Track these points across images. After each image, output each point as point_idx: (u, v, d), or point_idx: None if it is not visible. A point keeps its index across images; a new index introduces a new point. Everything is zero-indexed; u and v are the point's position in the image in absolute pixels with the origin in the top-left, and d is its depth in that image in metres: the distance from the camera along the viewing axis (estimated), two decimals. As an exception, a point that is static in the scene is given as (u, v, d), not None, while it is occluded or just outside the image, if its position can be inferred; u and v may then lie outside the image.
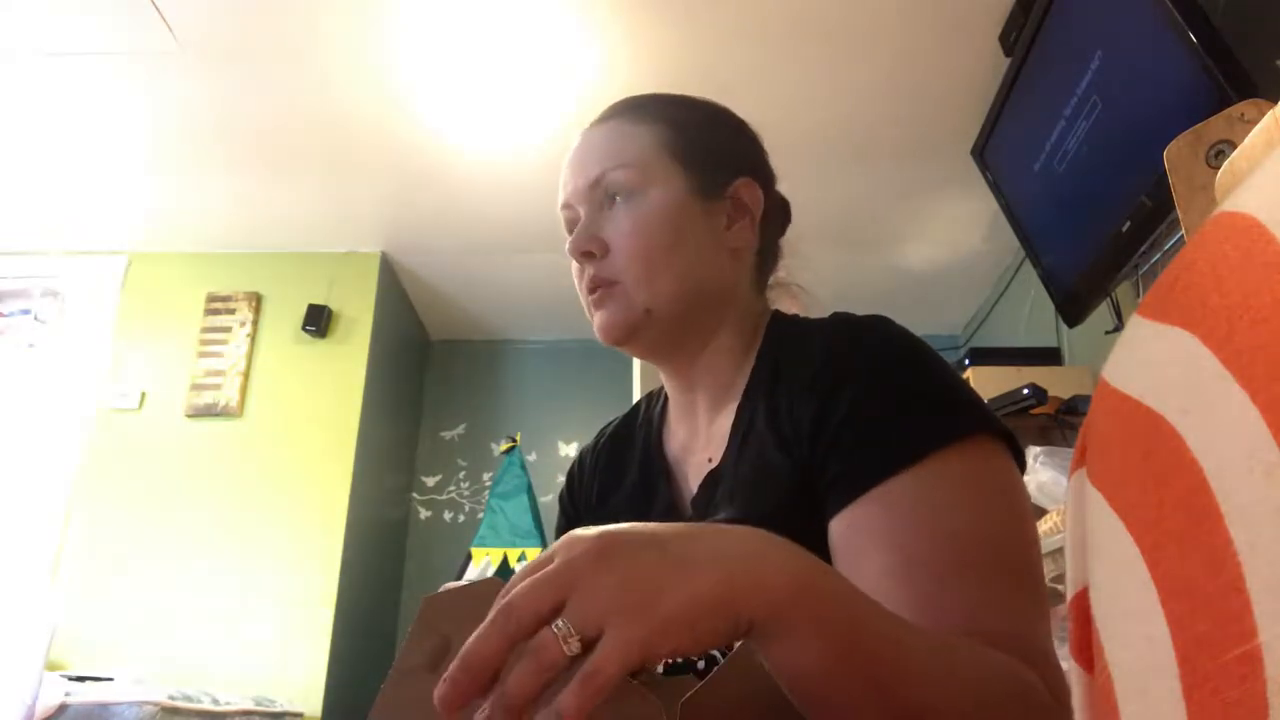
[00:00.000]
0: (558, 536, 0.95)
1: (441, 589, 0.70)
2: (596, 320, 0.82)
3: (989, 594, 0.60)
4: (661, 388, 0.93)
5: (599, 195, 0.83)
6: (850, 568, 0.63)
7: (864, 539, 0.63)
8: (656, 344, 0.83)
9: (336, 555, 2.97)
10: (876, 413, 0.66)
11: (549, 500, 3.45)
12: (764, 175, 0.89)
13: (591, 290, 0.82)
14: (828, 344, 0.72)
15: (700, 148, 0.85)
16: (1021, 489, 0.67)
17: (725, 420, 0.79)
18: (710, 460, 0.79)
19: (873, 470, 0.64)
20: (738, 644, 0.52)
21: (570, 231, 0.85)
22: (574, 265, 0.85)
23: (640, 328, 0.80)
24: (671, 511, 0.81)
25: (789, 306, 0.90)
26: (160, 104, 2.56)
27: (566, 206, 0.86)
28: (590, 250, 0.81)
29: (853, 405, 0.67)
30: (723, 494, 0.74)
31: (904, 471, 0.63)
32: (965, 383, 0.70)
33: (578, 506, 0.94)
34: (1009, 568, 0.62)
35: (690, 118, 0.87)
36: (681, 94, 0.90)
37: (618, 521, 0.84)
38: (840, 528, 0.64)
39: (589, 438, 0.99)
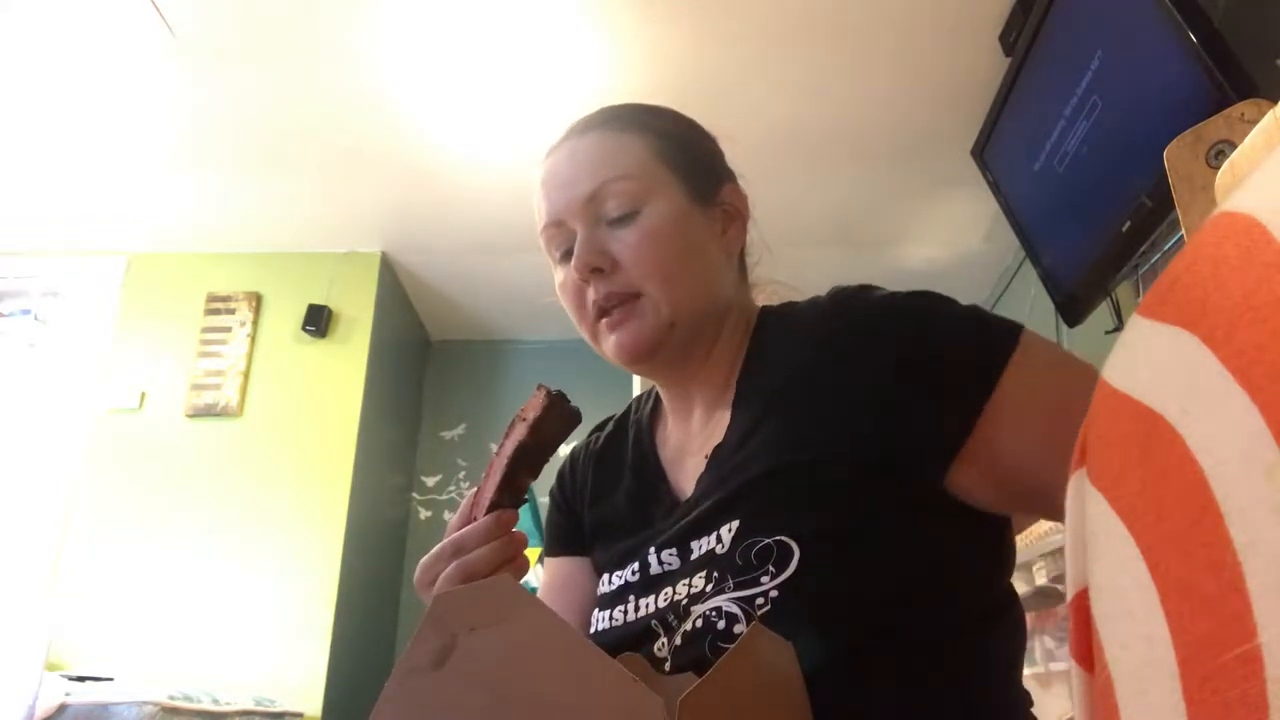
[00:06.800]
0: (551, 531, 0.95)
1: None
2: (616, 339, 0.78)
3: None
4: (650, 389, 0.93)
5: (595, 210, 0.79)
6: (1001, 466, 0.65)
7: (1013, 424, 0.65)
8: (672, 359, 0.80)
9: (336, 555, 2.96)
10: (952, 342, 0.68)
11: (548, 504, 3.45)
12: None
13: (604, 309, 0.78)
14: (846, 314, 0.73)
15: (689, 155, 0.84)
16: None
17: (723, 416, 0.79)
18: (706, 456, 0.78)
19: (978, 392, 0.65)
20: (737, 641, 0.52)
21: (557, 253, 0.82)
22: (570, 289, 0.81)
23: (664, 343, 0.78)
24: (675, 515, 0.79)
25: (768, 301, 0.89)
26: (160, 103, 2.56)
27: (555, 225, 0.81)
28: (600, 266, 0.77)
29: (922, 346, 0.68)
30: (732, 464, 0.73)
31: (1002, 377, 0.65)
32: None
33: (570, 502, 0.94)
34: None
35: (671, 125, 0.86)
36: (648, 103, 0.88)
37: (614, 523, 0.85)
38: (983, 440, 0.65)
39: (588, 438, 0.99)
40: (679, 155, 0.83)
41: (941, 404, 0.66)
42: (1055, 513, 0.68)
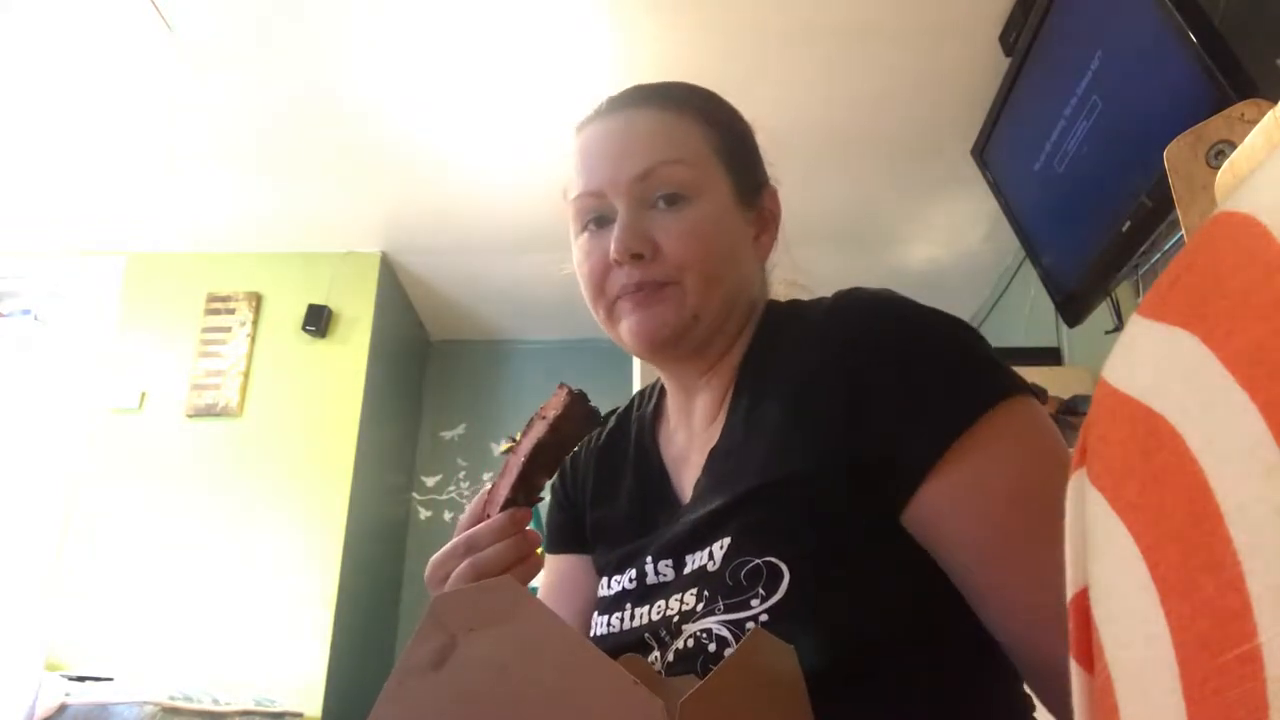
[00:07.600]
0: (552, 528, 0.95)
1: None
2: (637, 320, 0.75)
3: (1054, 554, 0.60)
4: (653, 385, 0.91)
5: (644, 190, 0.75)
6: (941, 540, 0.63)
7: (946, 506, 0.62)
8: (688, 353, 0.78)
9: (336, 555, 2.97)
10: (927, 382, 0.64)
11: (549, 501, 3.45)
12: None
13: (634, 294, 0.75)
14: (845, 320, 0.70)
15: (740, 152, 0.81)
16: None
17: (723, 418, 0.77)
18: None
19: (935, 441, 0.62)
20: (739, 643, 0.52)
21: (585, 221, 0.79)
22: (594, 264, 0.77)
23: (686, 333, 0.75)
24: (673, 520, 0.78)
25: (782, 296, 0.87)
26: (160, 103, 2.56)
27: (594, 195, 0.77)
28: (642, 252, 0.74)
29: (902, 379, 0.65)
30: (726, 470, 0.72)
31: (964, 435, 0.62)
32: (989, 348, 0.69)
33: (572, 499, 0.93)
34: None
35: (726, 117, 0.83)
36: (704, 88, 0.85)
37: (616, 525, 0.84)
38: (928, 499, 0.63)
39: (589, 438, 0.98)
40: (732, 151, 0.80)
41: (917, 433, 0.63)
42: (980, 609, 0.63)
